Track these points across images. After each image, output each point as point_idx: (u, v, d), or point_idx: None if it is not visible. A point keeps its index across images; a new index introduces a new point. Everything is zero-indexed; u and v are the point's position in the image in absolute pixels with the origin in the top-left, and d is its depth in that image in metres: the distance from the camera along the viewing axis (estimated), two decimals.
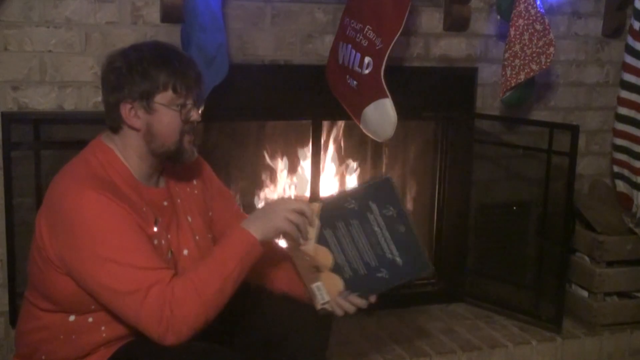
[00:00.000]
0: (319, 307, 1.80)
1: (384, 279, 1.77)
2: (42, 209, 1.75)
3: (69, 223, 1.66)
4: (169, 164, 1.84)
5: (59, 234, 1.68)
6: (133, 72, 1.70)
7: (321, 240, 1.73)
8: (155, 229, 1.76)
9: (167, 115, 1.72)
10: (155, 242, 1.75)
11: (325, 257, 1.75)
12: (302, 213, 1.73)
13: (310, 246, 1.74)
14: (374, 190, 1.72)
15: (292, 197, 1.82)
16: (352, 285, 1.78)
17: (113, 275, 1.63)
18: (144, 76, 1.70)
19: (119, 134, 1.77)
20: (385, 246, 1.73)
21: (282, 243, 1.87)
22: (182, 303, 1.61)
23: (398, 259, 1.74)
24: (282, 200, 1.92)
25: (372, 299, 1.83)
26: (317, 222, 1.72)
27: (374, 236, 1.72)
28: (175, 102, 1.72)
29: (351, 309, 1.81)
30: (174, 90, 1.71)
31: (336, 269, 1.77)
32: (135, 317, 1.63)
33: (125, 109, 1.72)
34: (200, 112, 1.80)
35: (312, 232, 1.73)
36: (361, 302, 1.81)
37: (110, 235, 1.64)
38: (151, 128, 1.74)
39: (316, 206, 1.73)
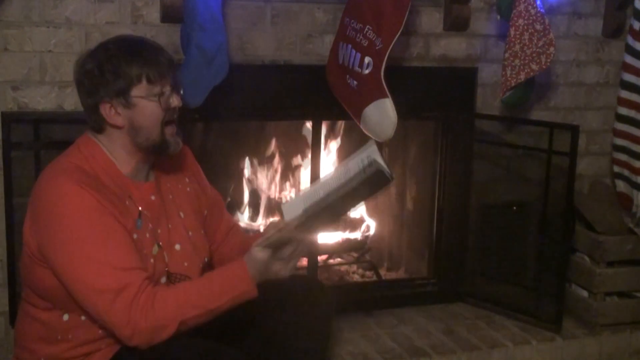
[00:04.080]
0: None
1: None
2: (28, 204, 1.76)
3: (48, 215, 1.68)
4: (156, 157, 1.83)
5: (39, 226, 1.70)
6: (105, 72, 1.71)
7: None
8: (138, 222, 1.77)
9: (148, 106, 1.73)
10: (136, 236, 1.75)
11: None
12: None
13: None
14: (364, 180, 1.65)
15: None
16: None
17: (85, 270, 1.63)
18: (116, 74, 1.71)
19: (104, 133, 1.78)
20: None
21: None
22: (160, 314, 1.63)
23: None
24: (287, 264, 1.72)
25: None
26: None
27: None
28: (152, 91, 1.73)
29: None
30: (148, 80, 1.72)
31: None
32: (105, 316, 1.65)
33: (105, 109, 1.73)
34: (180, 96, 1.79)
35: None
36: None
37: (85, 230, 1.65)
38: (134, 123, 1.75)
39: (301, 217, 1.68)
